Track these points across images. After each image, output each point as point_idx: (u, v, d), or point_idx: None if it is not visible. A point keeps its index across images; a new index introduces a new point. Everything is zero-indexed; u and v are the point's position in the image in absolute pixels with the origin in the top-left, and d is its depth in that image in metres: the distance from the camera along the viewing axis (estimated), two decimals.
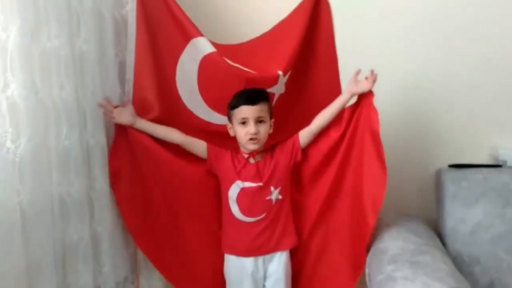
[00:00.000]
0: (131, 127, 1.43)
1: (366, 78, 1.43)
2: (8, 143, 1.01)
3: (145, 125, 1.45)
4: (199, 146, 1.50)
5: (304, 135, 1.51)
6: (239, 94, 1.43)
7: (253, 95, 1.42)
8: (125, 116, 1.42)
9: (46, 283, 1.11)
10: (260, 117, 1.42)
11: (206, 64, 1.47)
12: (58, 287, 1.16)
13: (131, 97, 1.47)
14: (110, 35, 1.42)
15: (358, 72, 1.45)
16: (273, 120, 1.47)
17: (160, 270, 1.52)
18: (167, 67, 1.50)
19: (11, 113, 1.02)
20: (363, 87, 1.43)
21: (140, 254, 1.55)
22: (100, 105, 1.36)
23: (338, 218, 1.51)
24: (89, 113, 1.31)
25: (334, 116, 1.47)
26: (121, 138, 1.45)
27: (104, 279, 1.36)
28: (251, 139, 1.42)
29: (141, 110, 1.47)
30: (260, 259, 1.49)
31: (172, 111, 1.51)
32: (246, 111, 1.40)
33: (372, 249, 1.46)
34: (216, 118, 1.52)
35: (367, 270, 1.42)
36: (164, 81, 1.49)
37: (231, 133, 1.47)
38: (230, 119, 1.46)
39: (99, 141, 1.34)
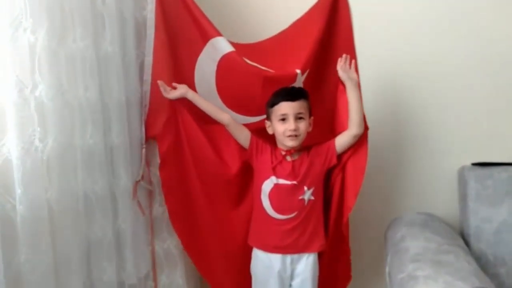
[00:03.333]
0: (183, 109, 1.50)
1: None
2: (36, 142, 1.05)
3: (196, 96, 1.50)
4: (243, 133, 1.51)
5: (342, 141, 1.47)
6: (279, 91, 1.43)
7: (293, 92, 1.43)
8: (178, 90, 1.49)
9: (72, 278, 1.15)
10: (300, 113, 1.42)
11: (225, 63, 1.49)
12: (84, 282, 1.20)
13: (148, 98, 1.50)
14: (132, 37, 1.45)
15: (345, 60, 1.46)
16: (312, 118, 1.46)
17: (192, 258, 1.57)
18: (185, 68, 1.52)
19: (39, 113, 1.05)
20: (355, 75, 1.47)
21: (159, 252, 1.57)
22: (160, 85, 1.47)
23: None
24: (113, 113, 1.34)
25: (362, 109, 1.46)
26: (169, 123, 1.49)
27: (127, 275, 1.39)
28: (290, 135, 1.42)
29: (158, 110, 1.49)
30: (288, 258, 1.48)
31: None
32: (286, 107, 1.41)
33: (393, 248, 1.45)
34: (234, 118, 1.53)
35: (387, 269, 1.40)
36: (182, 81, 1.51)
37: (270, 131, 1.48)
38: (269, 117, 1.47)
39: (122, 140, 1.37)
